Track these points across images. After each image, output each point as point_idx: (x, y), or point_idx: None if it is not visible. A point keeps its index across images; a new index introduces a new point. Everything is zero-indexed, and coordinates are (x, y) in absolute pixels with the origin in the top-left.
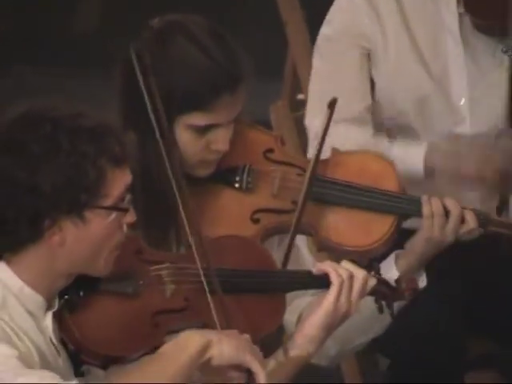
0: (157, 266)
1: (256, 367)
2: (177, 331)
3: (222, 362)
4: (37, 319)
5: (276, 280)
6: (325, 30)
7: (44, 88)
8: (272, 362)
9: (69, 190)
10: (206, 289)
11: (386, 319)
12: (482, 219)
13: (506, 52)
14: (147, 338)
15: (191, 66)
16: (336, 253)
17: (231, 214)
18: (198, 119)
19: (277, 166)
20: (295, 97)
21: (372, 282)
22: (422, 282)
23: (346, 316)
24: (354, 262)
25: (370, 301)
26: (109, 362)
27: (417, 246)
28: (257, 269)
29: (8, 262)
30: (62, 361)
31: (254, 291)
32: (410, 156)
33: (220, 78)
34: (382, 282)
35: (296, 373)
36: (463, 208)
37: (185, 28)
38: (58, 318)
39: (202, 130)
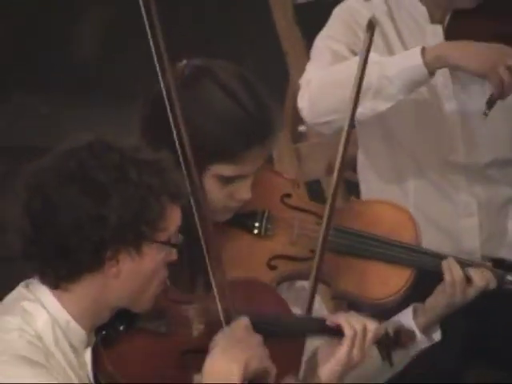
0: (185, 306)
1: (271, 368)
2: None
3: (251, 375)
4: (77, 353)
5: (292, 325)
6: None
7: (44, 115)
8: None
9: (134, 222)
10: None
11: (397, 369)
12: (500, 276)
13: None
14: (176, 378)
15: (224, 117)
16: (352, 303)
17: (248, 259)
18: (227, 170)
19: (294, 213)
20: (296, 128)
21: (381, 331)
22: (437, 336)
23: (356, 365)
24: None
25: (374, 353)
26: None
27: (438, 307)
28: (274, 313)
29: (59, 294)
30: None
31: (271, 335)
32: (407, 56)
33: (252, 131)
34: (385, 333)
35: None
36: (481, 265)
37: (214, 75)
38: (93, 353)
39: (228, 180)
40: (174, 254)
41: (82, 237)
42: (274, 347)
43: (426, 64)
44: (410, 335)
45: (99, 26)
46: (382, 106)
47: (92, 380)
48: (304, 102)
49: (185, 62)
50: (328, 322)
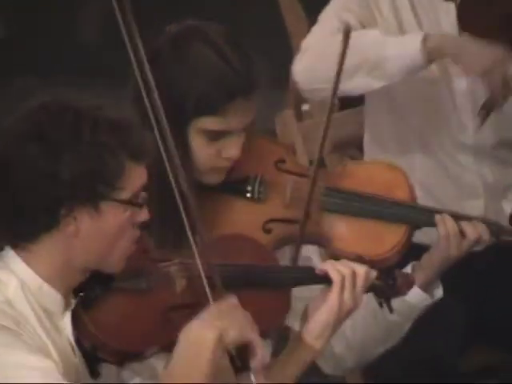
0: (166, 263)
1: (256, 342)
2: None
3: (230, 346)
4: (53, 319)
5: (278, 275)
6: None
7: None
8: (279, 361)
9: (87, 179)
10: (206, 285)
11: (403, 328)
12: (494, 229)
13: None
14: (161, 334)
15: (207, 69)
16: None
17: (243, 224)
18: (212, 124)
19: (288, 176)
20: (301, 107)
21: (373, 275)
22: (439, 292)
23: (350, 312)
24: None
25: (386, 312)
26: (125, 358)
27: (434, 263)
28: (261, 264)
29: (25, 258)
30: (77, 361)
31: (256, 286)
32: (407, 41)
33: (235, 82)
34: (380, 278)
35: (303, 371)
36: (474, 219)
37: (202, 33)
38: (73, 316)
39: (215, 136)
40: (143, 215)
41: (35, 195)
42: (260, 298)
43: (423, 53)
44: (407, 279)
45: (99, 8)
46: (376, 84)
47: (74, 343)
48: (300, 65)
49: (173, 25)
50: (316, 271)
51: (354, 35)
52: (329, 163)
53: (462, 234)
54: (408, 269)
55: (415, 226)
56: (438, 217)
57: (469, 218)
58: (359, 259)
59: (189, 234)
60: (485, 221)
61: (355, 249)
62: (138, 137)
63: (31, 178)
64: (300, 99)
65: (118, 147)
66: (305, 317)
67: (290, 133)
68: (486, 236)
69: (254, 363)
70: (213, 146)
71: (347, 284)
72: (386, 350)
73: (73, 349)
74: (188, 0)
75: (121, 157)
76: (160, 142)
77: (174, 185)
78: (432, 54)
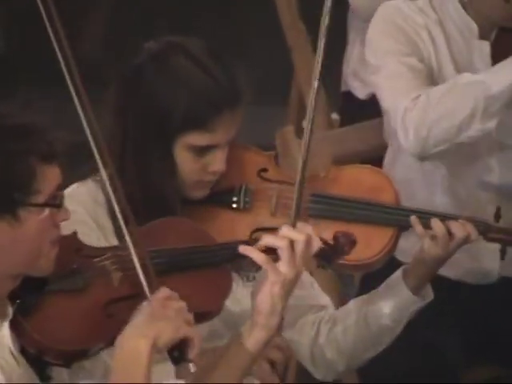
0: (99, 258)
1: (192, 335)
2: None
3: (167, 348)
4: None
5: (215, 253)
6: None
7: (49, 110)
8: (227, 344)
9: (2, 190)
10: (140, 273)
11: (395, 332)
12: (482, 228)
13: None
14: (104, 330)
15: (191, 83)
16: (336, 267)
17: (230, 235)
18: (199, 139)
19: (272, 185)
20: (301, 123)
21: (317, 242)
22: (430, 295)
23: (296, 280)
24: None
25: (378, 316)
26: (71, 358)
27: (424, 265)
28: (192, 245)
29: None
30: (22, 371)
31: (195, 267)
32: (503, 72)
33: (221, 96)
34: (323, 242)
35: (258, 353)
36: (461, 218)
37: (183, 47)
38: (13, 325)
39: (201, 151)
40: (64, 214)
41: None
42: (200, 279)
43: None
44: (349, 237)
45: (100, 22)
46: (490, 124)
47: (16, 353)
48: (411, 139)
49: (151, 41)
50: (259, 244)
51: (442, 91)
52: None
53: (451, 233)
54: (399, 272)
55: (402, 228)
56: (412, 217)
57: (456, 218)
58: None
59: (121, 223)
60: (472, 220)
61: None
62: (44, 139)
63: None
64: (300, 115)
65: (25, 152)
66: (253, 296)
67: (291, 149)
68: (474, 234)
69: (192, 354)
70: (198, 161)
71: (291, 254)
72: (376, 353)
73: (15, 358)
74: (186, 18)
75: (30, 161)
76: (90, 136)
77: (105, 178)
78: None
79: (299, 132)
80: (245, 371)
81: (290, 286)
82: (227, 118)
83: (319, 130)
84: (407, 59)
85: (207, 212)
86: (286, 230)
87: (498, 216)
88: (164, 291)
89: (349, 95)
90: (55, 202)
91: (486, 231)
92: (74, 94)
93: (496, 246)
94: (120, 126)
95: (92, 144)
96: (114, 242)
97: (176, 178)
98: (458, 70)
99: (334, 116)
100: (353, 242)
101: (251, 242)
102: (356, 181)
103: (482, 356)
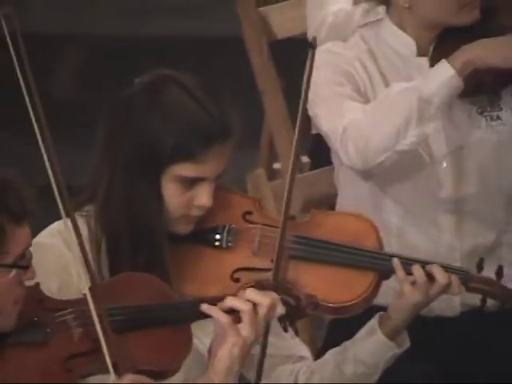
0: (61, 312)
1: None
2: (91, 373)
3: None
4: None
5: (178, 311)
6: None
7: (28, 154)
8: None
9: None
10: (99, 331)
11: (371, 379)
12: (463, 276)
13: (481, 113)
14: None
15: (183, 115)
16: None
17: (212, 273)
18: (187, 170)
19: (256, 226)
20: (272, 166)
21: (280, 308)
22: (406, 342)
23: (256, 341)
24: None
25: (354, 365)
26: None
27: (401, 310)
28: (155, 302)
29: None
30: None
31: (156, 324)
32: (437, 73)
33: (212, 129)
34: (285, 303)
35: None
36: (444, 267)
37: (175, 79)
38: None
39: (188, 183)
40: (30, 273)
41: None
42: (159, 336)
43: (457, 72)
44: (311, 298)
45: (74, 66)
46: (427, 128)
47: None
48: (350, 151)
49: (141, 77)
50: (224, 306)
51: (383, 97)
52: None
53: (432, 278)
54: (375, 318)
55: (383, 274)
56: (395, 260)
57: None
58: (310, 298)
59: (85, 279)
60: (454, 268)
61: (324, 296)
62: (18, 197)
63: None
64: (271, 158)
65: None
66: (210, 353)
67: (262, 192)
68: (454, 282)
69: None
70: (185, 194)
71: (246, 319)
72: None
73: None
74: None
75: (1, 221)
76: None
77: (74, 233)
78: (464, 69)
79: (270, 175)
80: None
81: (249, 348)
82: (217, 151)
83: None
84: (342, 89)
85: (190, 249)
86: (250, 293)
87: (480, 266)
88: (127, 376)
89: (318, 137)
90: (23, 264)
91: (467, 280)
92: (40, 141)
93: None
94: (108, 157)
95: (61, 210)
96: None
97: (163, 211)
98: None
99: (304, 159)
100: (315, 304)
101: (213, 301)
102: (340, 226)
103: None
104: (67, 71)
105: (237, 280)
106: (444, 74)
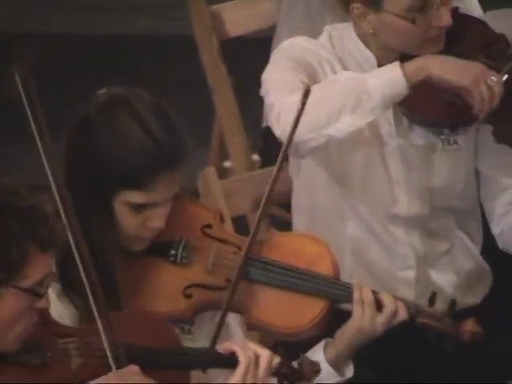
0: (64, 340)
1: None
2: None
3: None
4: None
5: (183, 357)
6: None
7: None
8: None
9: None
10: (113, 365)
11: (330, 380)
12: (413, 311)
13: (438, 135)
14: None
15: (131, 143)
16: (265, 333)
17: (165, 288)
18: (136, 197)
19: (212, 242)
20: (222, 164)
21: (276, 360)
22: (350, 371)
23: None
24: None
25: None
26: None
27: (346, 335)
28: (163, 345)
29: None
30: None
31: (159, 368)
32: (386, 70)
33: (160, 158)
34: (285, 363)
35: None
36: (394, 297)
37: (129, 103)
38: None
39: (139, 208)
40: (44, 302)
41: None
42: (159, 377)
43: (406, 76)
44: (314, 366)
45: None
46: (360, 121)
47: None
48: (281, 128)
49: (104, 89)
50: (222, 350)
51: (323, 84)
52: (250, 222)
53: (380, 305)
54: (321, 344)
55: (335, 301)
56: (354, 283)
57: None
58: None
59: (94, 310)
60: (404, 301)
61: (273, 320)
62: (48, 227)
63: None
64: (222, 156)
65: (24, 237)
66: None
67: (212, 190)
68: (402, 312)
69: None
70: (137, 217)
71: (251, 366)
72: None
73: None
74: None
75: (26, 246)
76: (67, 226)
77: (79, 264)
78: (415, 75)
79: (221, 173)
80: None
81: None
82: (165, 179)
83: (240, 172)
84: (297, 73)
85: (146, 261)
86: (252, 344)
87: (432, 301)
88: (133, 367)
89: (270, 131)
90: (39, 291)
91: (416, 314)
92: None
93: (411, 277)
94: (65, 173)
95: (70, 237)
96: None
97: (115, 230)
98: None
99: (255, 157)
100: (316, 371)
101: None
102: (297, 249)
103: None
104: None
105: (189, 296)
106: (392, 73)
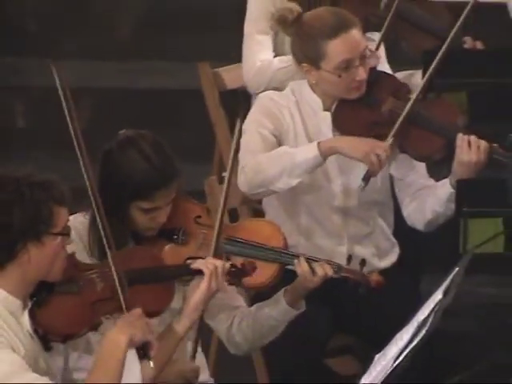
0: (88, 272)
1: (152, 340)
2: (109, 313)
3: (137, 345)
4: (16, 317)
5: (166, 272)
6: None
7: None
8: (167, 328)
9: (31, 224)
10: (118, 286)
11: (279, 328)
12: (336, 268)
13: None
14: (90, 320)
15: (139, 170)
16: (242, 286)
17: (171, 261)
18: (144, 205)
19: (202, 229)
20: (221, 174)
21: (227, 265)
22: (303, 306)
23: (215, 293)
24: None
25: (267, 319)
26: (67, 338)
27: (296, 289)
28: (149, 265)
29: None
30: (34, 343)
31: (152, 281)
32: (308, 149)
33: (158, 179)
34: (232, 264)
35: (185, 334)
36: (322, 260)
37: (137, 143)
38: (30, 314)
39: (147, 210)
40: (69, 240)
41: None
42: (154, 289)
43: (321, 154)
44: (251, 265)
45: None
46: (293, 181)
47: (33, 333)
48: (243, 179)
49: (124, 130)
50: (192, 267)
51: (273, 152)
52: (240, 212)
53: (314, 271)
54: (281, 291)
55: (285, 264)
56: (296, 261)
57: (318, 260)
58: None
59: (107, 250)
60: (329, 262)
61: (249, 278)
62: (60, 189)
63: None
64: (220, 169)
65: (48, 199)
66: (185, 299)
67: (214, 191)
68: (330, 272)
69: (152, 354)
70: (146, 216)
71: (213, 274)
72: (268, 341)
73: (31, 335)
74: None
75: (50, 205)
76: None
77: (98, 219)
78: (327, 152)
79: (220, 180)
80: (175, 345)
81: (211, 296)
82: (163, 192)
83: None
84: (265, 132)
85: (157, 244)
86: (211, 259)
87: (349, 260)
88: (137, 311)
89: None
90: (66, 232)
91: (339, 271)
92: (79, 154)
93: (343, 251)
94: (97, 187)
95: (90, 193)
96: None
97: (129, 225)
98: (309, 136)
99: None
100: (254, 267)
101: (184, 266)
102: (256, 230)
103: (340, 327)
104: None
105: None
106: (311, 153)
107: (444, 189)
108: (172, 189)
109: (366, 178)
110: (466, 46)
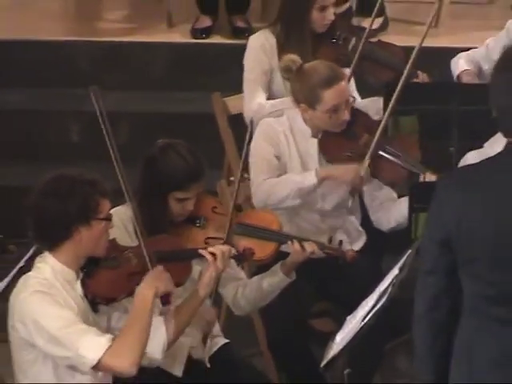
0: (126, 251)
1: (172, 290)
2: (141, 282)
3: (161, 295)
4: (71, 284)
5: (184, 253)
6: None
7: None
8: (190, 294)
9: (82, 211)
10: (149, 263)
11: (275, 293)
12: (320, 246)
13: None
14: (127, 287)
15: (177, 169)
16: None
17: (195, 240)
18: (180, 195)
19: (217, 216)
20: (229, 178)
21: (233, 251)
22: (293, 276)
23: (223, 271)
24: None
25: (266, 286)
26: (109, 301)
27: (290, 262)
28: (172, 249)
29: (54, 254)
30: (85, 305)
31: (173, 259)
32: (307, 177)
33: (192, 175)
34: (237, 251)
35: (203, 300)
36: (309, 240)
37: (175, 148)
38: (82, 282)
39: (181, 200)
40: (111, 224)
41: (59, 224)
42: (175, 266)
43: (318, 179)
44: (249, 251)
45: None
46: (297, 202)
47: (83, 296)
48: (258, 197)
49: (160, 140)
50: (202, 252)
51: (281, 179)
52: (244, 207)
53: (303, 248)
54: (278, 265)
55: (280, 243)
56: (289, 241)
57: (307, 240)
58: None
59: (139, 236)
60: (315, 242)
61: (254, 251)
62: (104, 185)
63: (55, 216)
64: (229, 174)
65: (94, 192)
66: (200, 276)
67: (224, 193)
68: (316, 250)
69: (172, 300)
70: (180, 205)
71: (219, 258)
72: (266, 304)
73: (82, 299)
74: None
75: (96, 197)
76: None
77: (133, 213)
78: (323, 178)
79: (229, 183)
80: (196, 307)
81: (220, 273)
82: (195, 185)
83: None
84: (269, 157)
85: (184, 228)
86: (219, 246)
87: (330, 240)
88: (159, 267)
89: None
90: (109, 218)
91: (322, 248)
92: (114, 161)
93: (324, 239)
94: (141, 183)
95: (124, 189)
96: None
97: (167, 212)
98: (302, 160)
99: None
100: (252, 253)
101: (204, 248)
102: (260, 217)
103: (321, 295)
104: None
105: (207, 243)
106: (311, 180)
107: (405, 204)
108: (202, 182)
109: (352, 193)
110: (416, 79)
